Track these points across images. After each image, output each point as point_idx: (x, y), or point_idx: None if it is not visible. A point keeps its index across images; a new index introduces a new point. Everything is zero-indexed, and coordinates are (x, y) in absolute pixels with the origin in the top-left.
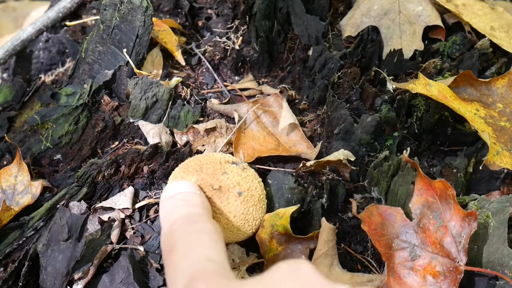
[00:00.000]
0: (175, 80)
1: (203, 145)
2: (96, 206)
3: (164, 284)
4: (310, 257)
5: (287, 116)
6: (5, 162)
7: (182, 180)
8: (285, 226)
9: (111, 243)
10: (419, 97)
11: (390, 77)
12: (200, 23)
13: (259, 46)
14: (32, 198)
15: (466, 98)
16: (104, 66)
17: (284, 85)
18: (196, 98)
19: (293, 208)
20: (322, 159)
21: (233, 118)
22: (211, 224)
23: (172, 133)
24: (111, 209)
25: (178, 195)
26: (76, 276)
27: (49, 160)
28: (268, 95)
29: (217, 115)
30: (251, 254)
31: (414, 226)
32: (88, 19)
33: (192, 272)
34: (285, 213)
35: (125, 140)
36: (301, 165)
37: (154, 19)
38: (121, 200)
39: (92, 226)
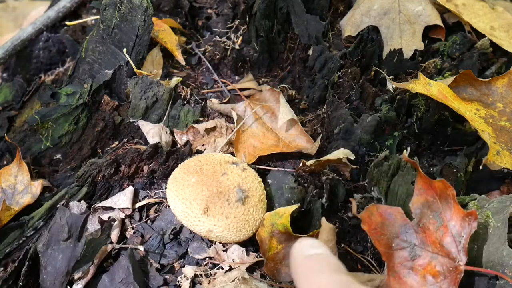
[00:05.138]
0: (175, 79)
1: (203, 145)
2: (96, 206)
3: (164, 283)
4: None
5: (285, 112)
6: (5, 162)
7: (313, 239)
8: (285, 225)
9: (111, 242)
10: (419, 97)
11: (390, 77)
12: (200, 23)
13: (259, 46)
14: (32, 198)
15: (466, 98)
16: (104, 65)
17: (284, 85)
18: (196, 97)
19: (293, 207)
20: (322, 158)
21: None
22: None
23: (172, 133)
24: (111, 208)
25: (316, 256)
26: (76, 276)
27: (49, 160)
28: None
29: (217, 114)
30: (251, 253)
31: (414, 226)
32: (88, 19)
33: None
34: (285, 212)
35: (125, 140)
36: (301, 164)
37: (154, 18)
38: (121, 200)
39: (92, 226)
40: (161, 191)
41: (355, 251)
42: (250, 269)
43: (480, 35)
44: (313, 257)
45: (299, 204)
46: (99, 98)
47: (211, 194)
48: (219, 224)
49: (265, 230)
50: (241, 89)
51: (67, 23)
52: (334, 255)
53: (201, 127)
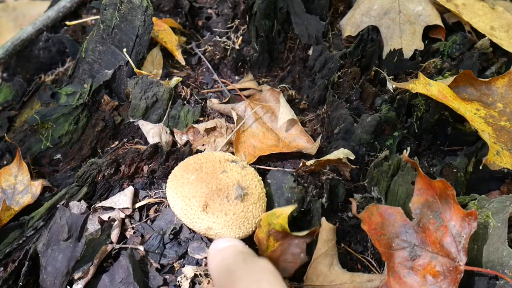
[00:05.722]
0: (175, 79)
1: (203, 145)
2: (96, 205)
3: (164, 283)
4: (308, 252)
5: (285, 112)
6: (5, 162)
7: (227, 238)
8: (282, 225)
9: (111, 242)
10: (419, 97)
11: (390, 77)
12: (200, 23)
13: (259, 46)
14: (32, 198)
15: (466, 98)
16: (104, 65)
17: (284, 85)
18: (196, 97)
19: (290, 208)
20: (322, 158)
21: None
22: (266, 262)
23: (172, 133)
24: (111, 208)
25: (226, 248)
26: (76, 276)
27: (49, 160)
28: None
29: (217, 114)
30: None
31: (414, 226)
32: (88, 19)
33: None
34: (282, 213)
35: (125, 140)
36: (301, 164)
37: (154, 18)
38: (121, 199)
39: (92, 225)
40: (161, 191)
41: (355, 251)
42: None
43: (480, 35)
44: (224, 248)
45: (296, 205)
46: (99, 98)
47: (210, 191)
48: (218, 221)
49: (262, 230)
50: (241, 89)
51: (67, 23)
52: (244, 244)
53: (201, 127)
